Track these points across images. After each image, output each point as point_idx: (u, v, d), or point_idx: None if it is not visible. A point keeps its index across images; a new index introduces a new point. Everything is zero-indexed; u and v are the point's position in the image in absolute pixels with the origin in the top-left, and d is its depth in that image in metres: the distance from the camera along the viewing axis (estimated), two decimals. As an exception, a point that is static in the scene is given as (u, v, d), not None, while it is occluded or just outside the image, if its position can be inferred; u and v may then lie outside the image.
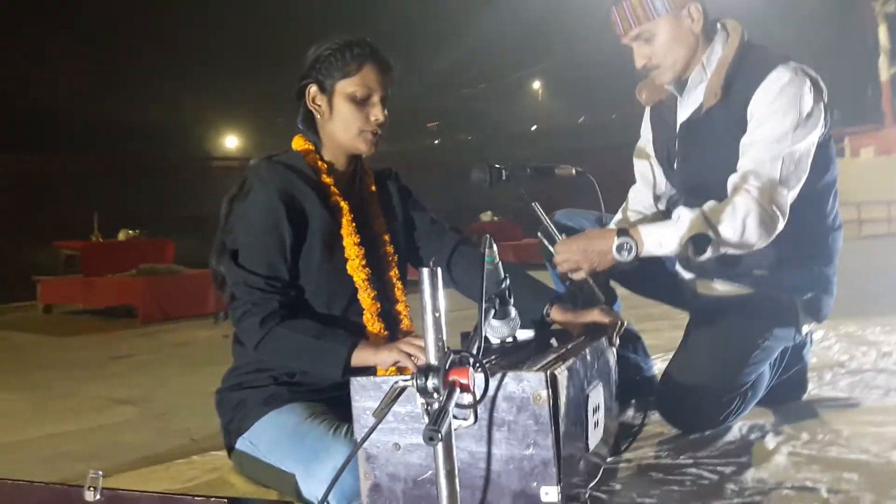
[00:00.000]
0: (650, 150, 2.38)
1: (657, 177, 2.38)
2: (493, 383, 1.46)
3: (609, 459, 1.91)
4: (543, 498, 1.43)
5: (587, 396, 1.70)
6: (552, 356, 1.66)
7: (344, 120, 1.80)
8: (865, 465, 1.74)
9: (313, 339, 1.69)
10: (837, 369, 2.81)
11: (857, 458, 1.79)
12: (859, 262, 9.01)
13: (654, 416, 2.21)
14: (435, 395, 1.14)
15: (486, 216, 11.85)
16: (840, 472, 1.68)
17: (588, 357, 1.75)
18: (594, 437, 1.76)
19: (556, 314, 1.93)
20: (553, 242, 2.09)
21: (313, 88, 1.81)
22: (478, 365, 1.20)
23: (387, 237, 1.93)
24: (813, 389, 2.49)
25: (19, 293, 8.22)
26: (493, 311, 1.47)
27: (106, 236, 8.01)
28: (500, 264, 1.43)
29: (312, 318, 1.75)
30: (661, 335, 3.31)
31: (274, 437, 1.71)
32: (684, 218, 1.96)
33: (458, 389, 1.14)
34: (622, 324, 1.96)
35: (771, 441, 1.95)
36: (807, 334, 2.26)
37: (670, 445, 1.99)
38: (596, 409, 1.78)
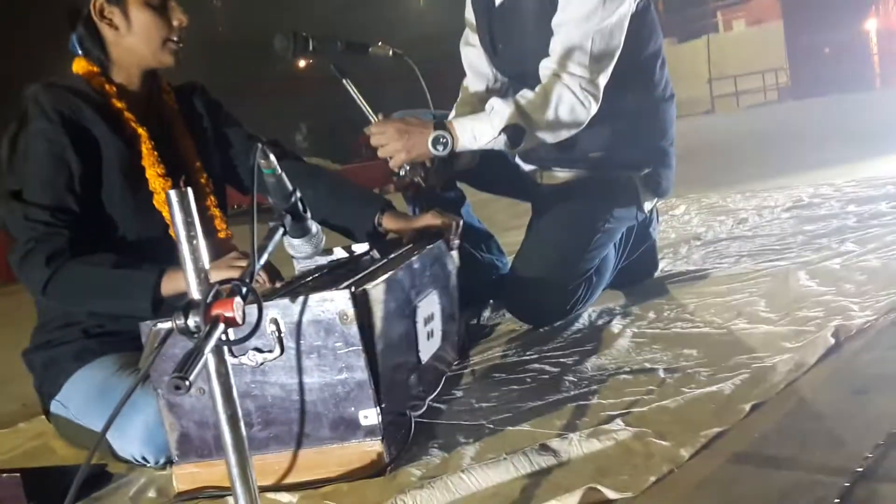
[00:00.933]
0: (474, 38, 2.24)
1: (485, 66, 2.25)
2: (295, 308, 1.34)
3: (455, 365, 1.84)
4: (363, 422, 1.33)
5: (416, 308, 1.60)
6: (370, 270, 1.54)
7: (146, 30, 1.64)
8: (706, 337, 1.70)
9: (113, 270, 1.51)
10: (693, 242, 2.80)
11: (700, 331, 1.75)
12: (736, 133, 9.26)
13: (508, 314, 2.14)
14: (197, 335, 0.99)
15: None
16: (680, 349, 1.64)
17: (416, 265, 1.64)
18: (429, 347, 1.66)
19: (388, 222, 1.84)
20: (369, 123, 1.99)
21: (100, 2, 1.62)
22: (249, 294, 1.05)
23: (197, 163, 1.78)
24: (667, 266, 2.47)
25: None
26: (285, 230, 1.31)
27: None
28: (283, 175, 1.28)
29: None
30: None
31: (83, 395, 1.57)
32: (498, 109, 1.88)
33: (221, 325, 0.99)
34: (458, 225, 1.86)
35: (617, 325, 1.90)
36: (651, 211, 2.22)
37: (519, 342, 1.92)
38: (429, 319, 1.68)
